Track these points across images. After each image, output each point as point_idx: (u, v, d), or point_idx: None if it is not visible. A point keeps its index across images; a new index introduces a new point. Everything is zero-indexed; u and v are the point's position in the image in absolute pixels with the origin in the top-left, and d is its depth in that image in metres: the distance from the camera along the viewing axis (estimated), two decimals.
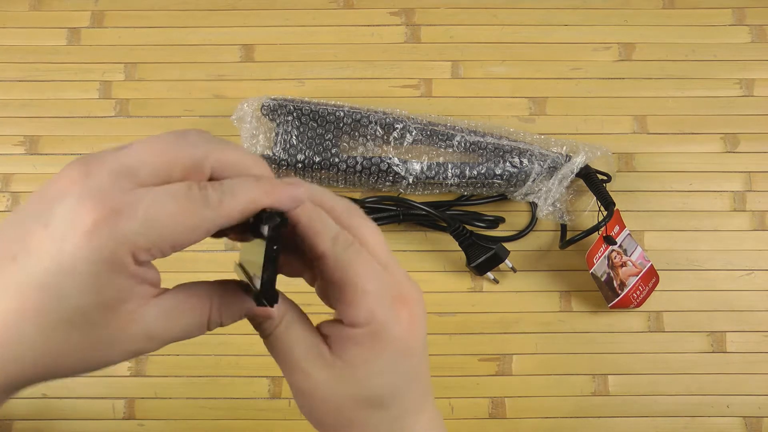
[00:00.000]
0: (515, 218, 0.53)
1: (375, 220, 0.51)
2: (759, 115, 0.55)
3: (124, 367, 0.50)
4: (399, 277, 0.27)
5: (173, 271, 0.51)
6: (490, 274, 0.51)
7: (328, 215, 0.26)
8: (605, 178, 0.52)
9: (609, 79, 0.56)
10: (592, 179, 0.51)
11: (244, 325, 0.51)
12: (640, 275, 0.50)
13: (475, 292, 0.52)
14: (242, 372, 0.51)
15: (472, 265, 0.50)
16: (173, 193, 0.21)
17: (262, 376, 0.51)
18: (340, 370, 0.26)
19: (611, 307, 0.50)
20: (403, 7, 0.58)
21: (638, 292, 0.50)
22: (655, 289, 0.50)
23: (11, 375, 0.22)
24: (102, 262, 0.21)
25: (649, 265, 0.50)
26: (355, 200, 0.52)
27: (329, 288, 0.27)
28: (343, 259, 0.25)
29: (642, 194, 0.54)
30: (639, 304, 0.50)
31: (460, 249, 0.51)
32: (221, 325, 0.26)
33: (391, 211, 0.51)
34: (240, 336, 0.51)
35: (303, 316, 0.28)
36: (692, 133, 0.55)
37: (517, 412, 0.50)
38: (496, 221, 0.52)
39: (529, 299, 0.52)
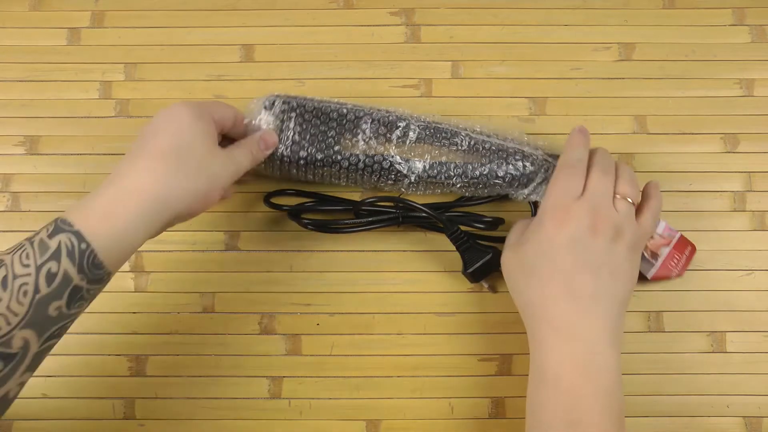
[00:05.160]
0: (515, 219, 0.53)
1: (374, 222, 0.51)
2: (759, 115, 0.55)
3: (124, 367, 0.51)
4: None
5: (175, 271, 0.52)
6: (484, 283, 0.51)
7: None
8: None
9: (609, 79, 0.56)
10: None
11: (244, 325, 0.51)
12: (672, 244, 0.50)
13: (475, 292, 0.52)
14: (242, 372, 0.51)
15: (468, 271, 0.50)
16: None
17: (262, 376, 0.51)
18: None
19: (652, 279, 0.50)
20: (403, 7, 0.58)
21: (675, 260, 0.50)
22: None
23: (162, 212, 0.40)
24: (199, 115, 0.42)
25: (678, 234, 0.51)
26: (354, 201, 0.52)
27: None
28: None
29: None
30: (680, 273, 0.50)
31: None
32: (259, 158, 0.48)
33: (391, 213, 0.51)
34: (240, 336, 0.51)
35: None
36: (692, 133, 0.55)
37: (517, 412, 0.50)
38: (496, 222, 0.52)
39: None
